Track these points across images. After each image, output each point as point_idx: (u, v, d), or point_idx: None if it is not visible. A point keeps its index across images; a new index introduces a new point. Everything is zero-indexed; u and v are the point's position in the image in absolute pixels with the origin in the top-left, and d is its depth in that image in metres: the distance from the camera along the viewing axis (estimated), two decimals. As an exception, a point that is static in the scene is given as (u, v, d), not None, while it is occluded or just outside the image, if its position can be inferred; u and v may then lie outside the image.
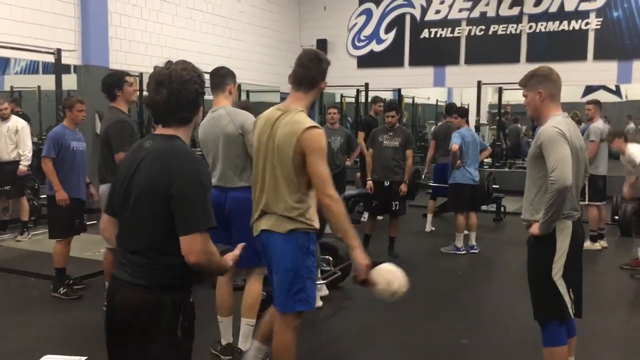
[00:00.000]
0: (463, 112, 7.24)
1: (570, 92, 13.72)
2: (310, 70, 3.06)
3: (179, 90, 2.05)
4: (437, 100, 18.97)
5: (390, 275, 2.88)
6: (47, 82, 9.03)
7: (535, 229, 3.13)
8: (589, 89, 15.21)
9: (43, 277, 5.68)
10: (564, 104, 8.35)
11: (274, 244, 3.05)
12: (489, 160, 12.04)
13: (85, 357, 3.85)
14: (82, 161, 5.21)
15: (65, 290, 5.16)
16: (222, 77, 3.97)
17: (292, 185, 2.97)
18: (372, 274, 2.85)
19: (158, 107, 2.08)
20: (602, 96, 14.83)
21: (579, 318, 3.26)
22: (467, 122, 7.21)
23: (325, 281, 5.06)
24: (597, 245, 7.32)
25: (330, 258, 5.30)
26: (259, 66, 13.12)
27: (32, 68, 13.87)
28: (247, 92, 14.88)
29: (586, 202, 7.18)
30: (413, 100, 18.01)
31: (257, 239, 3.13)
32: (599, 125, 7.33)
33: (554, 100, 3.19)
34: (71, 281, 5.32)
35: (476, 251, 7.09)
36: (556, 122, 3.11)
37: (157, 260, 2.05)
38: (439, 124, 8.77)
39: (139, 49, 9.89)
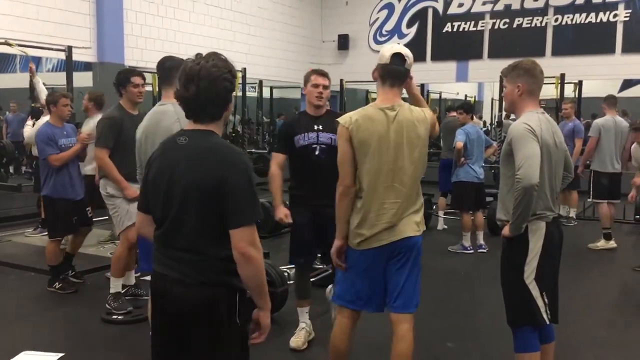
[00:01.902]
0: (468, 108, 7.03)
1: (607, 87, 13.28)
2: (400, 67, 2.97)
3: (207, 87, 2.06)
4: (465, 96, 18.64)
5: None
6: (79, 79, 9.21)
7: (506, 230, 3.00)
8: (627, 84, 14.72)
9: (43, 272, 5.77)
10: (601, 99, 8.10)
11: (416, 249, 2.97)
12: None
13: (62, 354, 3.90)
14: (75, 158, 5.15)
15: (60, 284, 5.20)
16: (168, 70, 3.74)
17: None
18: None
19: (188, 103, 2.10)
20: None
21: (555, 324, 3.10)
22: (472, 118, 6.99)
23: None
24: (612, 244, 7.03)
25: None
26: (280, 62, 13.11)
27: (63, 66, 14.24)
28: (271, 88, 14.94)
29: (590, 200, 7.12)
30: (440, 96, 17.75)
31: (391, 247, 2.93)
32: (601, 120, 7.14)
33: (531, 96, 3.05)
34: (73, 272, 5.38)
35: (484, 250, 6.88)
36: (527, 119, 2.98)
37: (210, 256, 2.07)
38: (445, 119, 8.56)
39: (155, 46, 9.97)
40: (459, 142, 6.61)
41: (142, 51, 9.80)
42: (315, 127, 3.80)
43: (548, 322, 3.02)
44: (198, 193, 2.04)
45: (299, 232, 3.94)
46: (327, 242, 3.24)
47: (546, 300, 2.97)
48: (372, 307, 3.04)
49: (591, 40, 11.49)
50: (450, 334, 4.39)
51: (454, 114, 8.06)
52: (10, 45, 7.35)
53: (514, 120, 8.55)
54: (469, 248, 6.87)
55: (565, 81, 9.94)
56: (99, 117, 5.79)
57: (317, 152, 3.77)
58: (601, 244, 7.04)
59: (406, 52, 2.94)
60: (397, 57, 2.89)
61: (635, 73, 11.82)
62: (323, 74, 3.87)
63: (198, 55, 2.12)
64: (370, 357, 3.90)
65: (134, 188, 4.33)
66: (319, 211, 3.73)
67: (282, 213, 3.81)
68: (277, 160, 3.95)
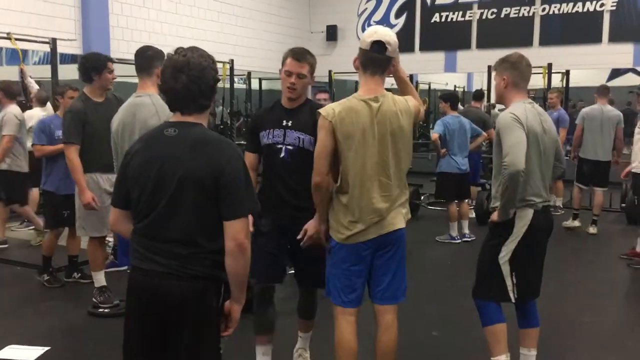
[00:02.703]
0: (446, 97, 7.06)
1: (595, 76, 13.32)
2: (384, 54, 2.90)
3: (199, 77, 2.07)
4: (455, 86, 18.67)
5: None
6: (65, 72, 9.14)
7: (494, 215, 3.15)
8: (616, 73, 14.78)
9: (29, 266, 5.75)
10: (589, 89, 8.28)
11: (403, 240, 2.96)
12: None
13: (48, 348, 3.89)
14: None
15: (48, 277, 5.19)
16: (149, 59, 3.70)
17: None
18: None
19: (177, 94, 2.09)
20: (631, 79, 14.41)
21: (521, 304, 3.25)
22: (452, 108, 6.94)
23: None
24: (576, 223, 7.54)
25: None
26: (268, 53, 13.03)
27: (49, 58, 14.11)
28: (259, 79, 14.87)
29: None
30: (429, 87, 17.75)
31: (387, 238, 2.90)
32: (587, 109, 7.39)
33: (517, 87, 3.20)
34: (79, 274, 5.33)
35: (469, 239, 6.93)
36: (513, 108, 3.12)
37: (204, 248, 2.06)
38: (463, 109, 8.70)
39: (141, 37, 9.88)
40: (434, 134, 6.71)
41: (129, 43, 9.72)
42: (284, 123, 3.12)
43: (514, 301, 3.18)
44: (195, 185, 2.03)
45: (259, 248, 3.03)
46: (300, 256, 3.10)
47: (514, 280, 3.13)
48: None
49: (578, 30, 11.50)
50: (436, 322, 4.42)
51: (476, 104, 8.22)
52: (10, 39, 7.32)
53: (502, 110, 8.56)
54: (456, 238, 6.91)
55: (553, 71, 9.95)
56: (12, 107, 5.82)
57: (282, 154, 3.10)
58: (568, 222, 7.59)
59: (388, 38, 2.79)
60: (378, 44, 2.79)
61: (623, 62, 11.86)
62: (299, 59, 3.11)
63: (179, 48, 2.12)
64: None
65: (89, 195, 4.23)
66: (286, 221, 3.15)
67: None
68: (248, 161, 2.90)
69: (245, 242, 2.04)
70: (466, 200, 7.14)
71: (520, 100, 3.16)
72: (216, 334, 2.16)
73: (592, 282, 5.54)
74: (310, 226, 2.97)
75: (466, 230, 7.01)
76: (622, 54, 11.30)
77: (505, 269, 3.11)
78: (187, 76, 2.04)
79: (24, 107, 7.29)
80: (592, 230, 7.29)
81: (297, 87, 3.10)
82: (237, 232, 2.03)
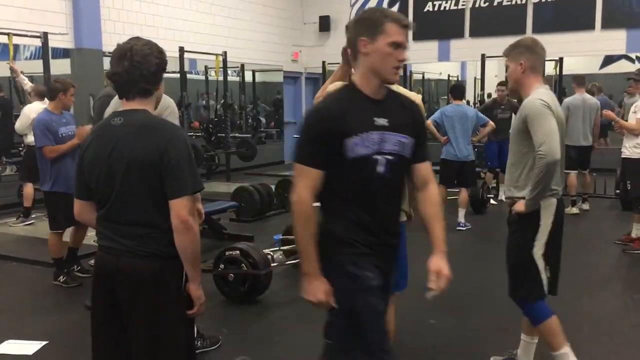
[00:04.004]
0: (450, 88, 7.28)
1: (588, 63, 13.33)
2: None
3: (140, 63, 2.15)
4: (448, 75, 18.64)
5: None
6: (56, 66, 9.08)
7: (521, 206, 3.01)
8: (609, 60, 14.78)
9: (25, 261, 5.75)
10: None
11: (403, 232, 2.87)
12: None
13: (46, 342, 3.89)
14: (74, 150, 4.80)
15: (64, 278, 5.08)
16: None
17: None
18: None
19: (120, 78, 2.17)
20: (624, 66, 14.40)
21: (553, 295, 3.16)
22: (454, 97, 7.08)
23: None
24: (575, 210, 7.77)
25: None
26: (261, 45, 12.99)
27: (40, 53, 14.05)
28: (253, 72, 14.83)
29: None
30: (423, 76, 17.73)
31: None
32: (569, 99, 7.81)
33: (535, 72, 3.08)
34: (79, 267, 5.28)
35: (463, 228, 6.98)
36: (540, 95, 2.99)
37: (157, 228, 2.15)
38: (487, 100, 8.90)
39: (133, 31, 9.80)
40: (428, 121, 6.84)
41: (120, 36, 9.58)
42: (378, 122, 2.14)
43: (546, 294, 3.09)
44: (141, 167, 2.12)
45: (373, 309, 2.16)
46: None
47: (548, 274, 3.05)
48: None
49: (571, 17, 11.50)
50: (433, 311, 4.42)
51: (457, 101, 8.26)
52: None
53: (493, 101, 8.42)
54: (461, 224, 6.99)
55: (546, 58, 9.92)
56: None
57: (379, 169, 2.15)
58: (567, 209, 7.49)
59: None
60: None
61: (615, 49, 11.86)
62: (407, 25, 2.16)
63: (131, 38, 2.22)
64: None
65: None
66: (386, 264, 2.27)
67: (321, 291, 2.14)
68: (308, 183, 2.13)
69: (189, 220, 2.11)
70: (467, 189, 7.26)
71: (540, 85, 3.07)
72: (176, 313, 2.21)
73: (588, 268, 5.56)
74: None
75: (462, 219, 7.04)
76: (615, 40, 11.31)
77: (541, 264, 3.02)
78: (129, 62, 2.14)
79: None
80: (585, 206, 7.93)
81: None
82: (180, 209, 2.09)
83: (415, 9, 13.10)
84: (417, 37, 13.11)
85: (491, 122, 7.23)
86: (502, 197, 8.14)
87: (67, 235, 5.14)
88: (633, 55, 12.53)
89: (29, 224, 7.28)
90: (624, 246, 6.07)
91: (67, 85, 5.03)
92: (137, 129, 2.15)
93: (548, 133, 2.87)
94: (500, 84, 8.40)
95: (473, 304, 4.63)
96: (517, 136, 3.08)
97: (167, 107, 3.54)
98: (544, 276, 3.03)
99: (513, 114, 7.81)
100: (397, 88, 2.56)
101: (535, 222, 3.00)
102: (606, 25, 11.33)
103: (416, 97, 2.81)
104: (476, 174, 7.73)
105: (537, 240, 3.00)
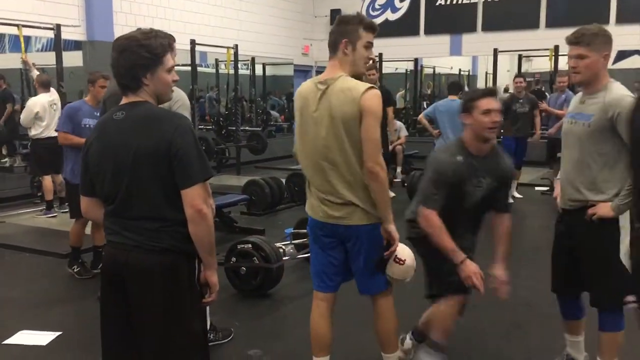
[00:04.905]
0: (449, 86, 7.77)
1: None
2: (332, 33, 2.80)
3: (116, 59, 2.14)
4: (460, 70, 18.54)
5: (411, 254, 2.95)
6: (68, 59, 9.11)
7: (608, 210, 2.76)
8: (621, 55, 14.62)
9: (38, 252, 5.78)
10: None
11: (370, 236, 2.82)
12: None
13: (59, 333, 3.91)
14: None
15: (78, 268, 5.11)
16: None
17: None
18: (399, 251, 2.85)
19: (118, 74, 2.17)
20: (637, 62, 14.25)
21: None
22: (450, 92, 7.43)
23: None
24: None
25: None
26: (272, 38, 12.98)
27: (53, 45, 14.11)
28: (263, 65, 14.82)
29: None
30: (434, 71, 17.65)
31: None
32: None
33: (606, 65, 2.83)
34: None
35: None
36: (623, 89, 2.77)
37: (169, 220, 2.12)
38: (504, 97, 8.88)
39: (145, 23, 9.82)
40: (420, 115, 7.39)
41: (132, 29, 9.63)
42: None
43: None
44: (149, 159, 2.09)
45: None
46: None
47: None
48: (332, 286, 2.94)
49: (585, 11, 11.35)
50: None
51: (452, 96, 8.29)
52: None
53: (511, 95, 8.35)
54: None
55: (560, 53, 9.86)
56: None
57: None
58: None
59: (345, 13, 2.66)
60: (339, 14, 2.74)
61: (630, 44, 11.72)
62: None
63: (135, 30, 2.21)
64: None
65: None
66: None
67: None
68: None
69: (203, 208, 2.09)
70: None
71: (611, 79, 2.83)
72: (189, 304, 2.19)
73: (523, 252, 5.40)
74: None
75: None
76: (629, 35, 11.18)
77: (627, 264, 2.71)
78: (112, 57, 2.15)
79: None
80: None
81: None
82: (193, 198, 2.08)
83: (427, 2, 13.04)
84: (429, 31, 13.08)
85: None
86: (515, 194, 8.08)
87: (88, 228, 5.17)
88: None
89: (52, 217, 7.28)
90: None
91: (96, 77, 5.05)
92: (141, 120, 2.13)
93: None
94: (517, 76, 8.40)
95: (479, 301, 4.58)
96: (597, 134, 2.78)
97: (178, 100, 3.53)
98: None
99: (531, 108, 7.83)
100: (346, 80, 2.67)
101: (616, 224, 2.78)
102: (621, 20, 11.23)
103: (363, 87, 2.64)
104: None
105: (622, 242, 2.76)
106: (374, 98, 2.64)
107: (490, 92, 2.92)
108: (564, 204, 2.99)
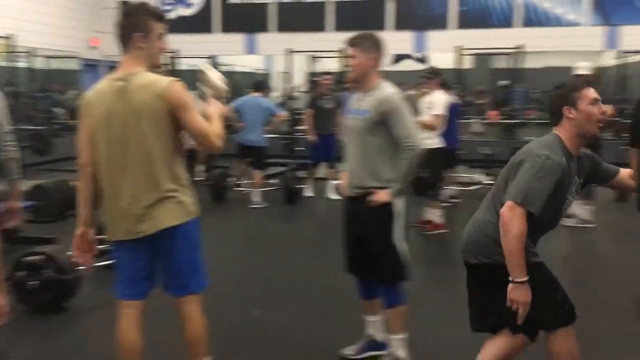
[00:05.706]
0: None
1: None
2: (120, 26, 2.63)
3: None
4: (256, 69, 18.80)
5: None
6: None
7: (386, 195, 3.11)
8: (399, 58, 16.12)
9: None
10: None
11: (185, 234, 2.67)
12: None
13: None
14: None
15: None
16: None
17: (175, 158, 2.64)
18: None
19: None
20: (408, 65, 15.79)
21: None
22: (255, 90, 8.13)
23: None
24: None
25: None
26: (57, 29, 11.97)
27: None
28: (47, 57, 13.54)
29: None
30: (230, 69, 17.66)
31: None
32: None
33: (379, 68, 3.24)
34: None
35: (258, 206, 7.89)
36: (393, 89, 3.18)
37: None
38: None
39: None
40: (229, 107, 7.67)
41: None
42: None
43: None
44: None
45: None
46: None
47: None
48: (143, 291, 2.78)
49: (369, 17, 12.37)
50: (252, 302, 4.44)
51: (255, 93, 8.36)
52: None
53: (316, 92, 8.55)
54: (255, 202, 7.92)
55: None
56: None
57: None
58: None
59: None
60: (123, 6, 2.68)
61: (405, 48, 12.92)
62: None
63: None
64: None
65: None
66: None
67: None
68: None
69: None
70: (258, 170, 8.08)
71: (383, 81, 3.26)
72: None
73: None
74: None
75: (257, 198, 7.90)
76: (406, 40, 12.42)
77: (404, 247, 3.23)
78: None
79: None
80: None
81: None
82: None
83: (223, 0, 13.05)
84: (225, 29, 13.12)
85: (282, 113, 8.43)
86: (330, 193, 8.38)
87: None
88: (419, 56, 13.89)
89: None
90: (420, 228, 6.66)
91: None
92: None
93: (413, 125, 3.17)
94: (325, 73, 8.97)
95: (295, 293, 4.71)
96: (371, 128, 3.12)
97: None
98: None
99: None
100: (145, 75, 2.58)
101: (390, 209, 3.13)
102: (397, 26, 12.36)
103: (165, 81, 2.57)
104: (267, 158, 8.36)
105: (398, 227, 3.17)
106: (179, 90, 2.57)
107: (589, 82, 2.62)
108: (350, 192, 3.29)
